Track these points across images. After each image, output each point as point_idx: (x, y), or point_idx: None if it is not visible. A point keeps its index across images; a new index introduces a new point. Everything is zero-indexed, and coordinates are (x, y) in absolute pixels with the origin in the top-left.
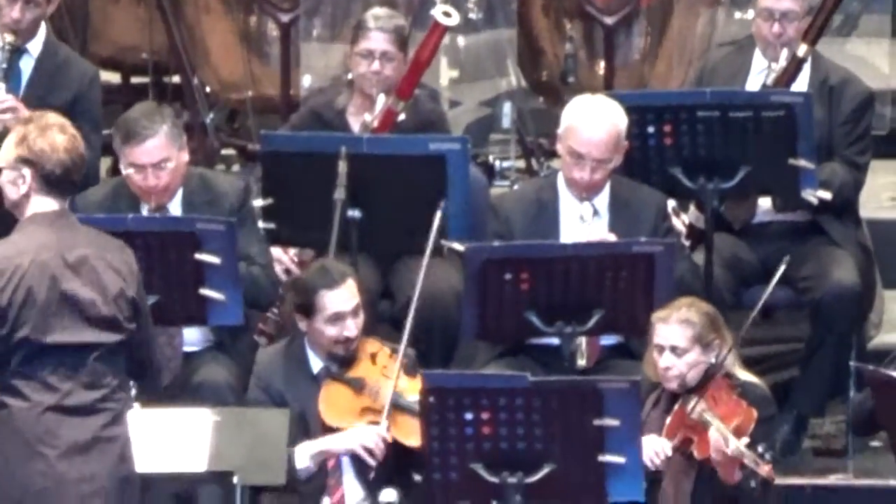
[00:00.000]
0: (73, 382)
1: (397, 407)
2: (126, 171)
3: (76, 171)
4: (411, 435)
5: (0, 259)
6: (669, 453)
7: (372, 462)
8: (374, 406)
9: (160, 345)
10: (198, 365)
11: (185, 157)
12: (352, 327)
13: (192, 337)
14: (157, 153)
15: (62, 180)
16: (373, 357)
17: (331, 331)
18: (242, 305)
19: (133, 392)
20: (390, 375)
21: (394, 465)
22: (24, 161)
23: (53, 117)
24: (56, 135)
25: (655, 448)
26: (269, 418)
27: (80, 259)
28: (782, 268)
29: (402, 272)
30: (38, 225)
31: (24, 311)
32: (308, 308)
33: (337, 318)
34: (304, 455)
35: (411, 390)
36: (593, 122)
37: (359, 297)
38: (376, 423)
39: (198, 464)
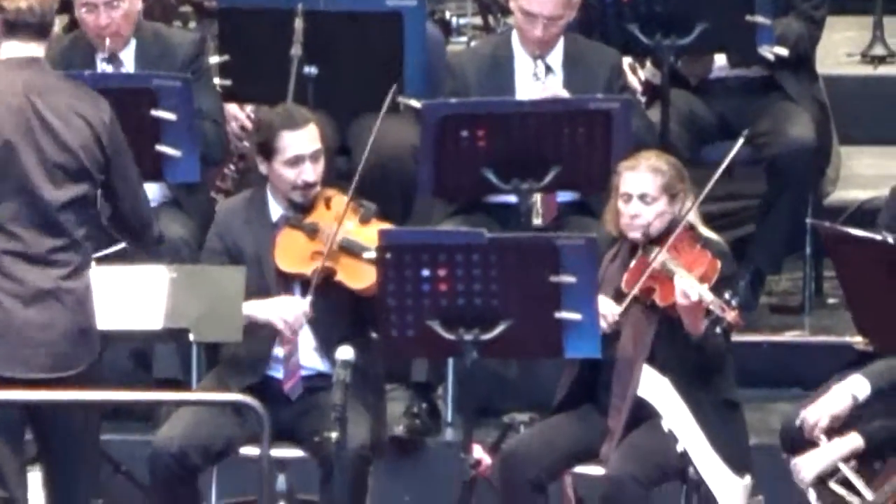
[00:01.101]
0: (34, 231)
1: (345, 249)
2: (79, 11)
3: (32, 15)
4: (357, 278)
5: None
6: (618, 316)
7: (290, 336)
8: (325, 250)
9: None
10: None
11: (139, 4)
12: (310, 172)
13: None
14: None
15: (18, 23)
16: (327, 202)
17: (289, 174)
18: (199, 162)
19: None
20: (340, 221)
21: (350, 321)
22: None
23: None
24: None
25: (604, 311)
26: (225, 275)
27: (48, 105)
28: (740, 141)
29: (358, 128)
30: (8, 69)
31: None
32: (268, 149)
33: (296, 160)
34: None
35: (363, 235)
36: None
37: (320, 144)
38: (327, 267)
39: (154, 321)
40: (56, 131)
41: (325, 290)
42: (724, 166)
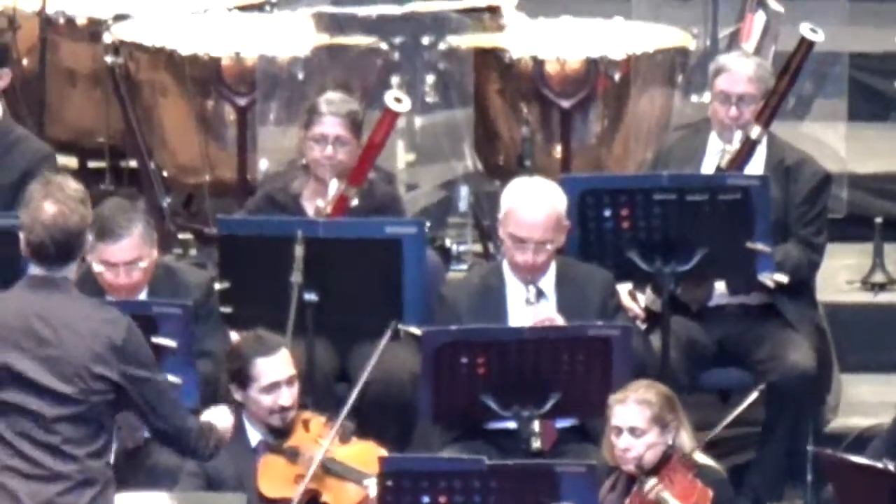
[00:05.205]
0: (28, 443)
1: (330, 471)
2: (97, 268)
3: (54, 245)
4: (343, 500)
5: None
6: None
7: None
8: (307, 474)
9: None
10: (153, 448)
11: (156, 253)
12: (287, 396)
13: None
14: (130, 252)
15: (38, 251)
16: (305, 424)
17: (266, 400)
18: (199, 388)
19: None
20: (323, 443)
21: None
22: (21, 224)
23: (62, 185)
24: (45, 205)
25: None
26: (227, 503)
27: (49, 328)
28: (754, 394)
29: (358, 355)
30: (24, 287)
31: None
32: (243, 377)
33: (272, 387)
34: None
35: (344, 455)
36: (532, 205)
37: (294, 368)
38: (309, 489)
39: None
40: (51, 353)
41: None
42: (734, 415)
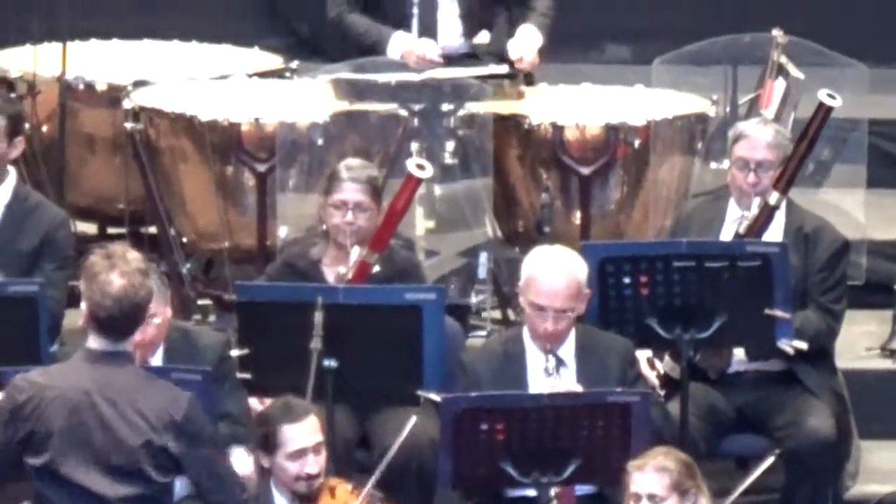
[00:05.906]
0: None
1: None
2: None
3: (122, 318)
4: None
5: (30, 385)
6: None
7: None
8: None
9: None
10: None
11: (170, 312)
12: (313, 464)
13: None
14: None
15: (106, 324)
16: (332, 492)
17: (292, 467)
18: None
19: None
20: None
21: None
22: (83, 295)
23: (126, 257)
24: (112, 278)
25: None
26: None
27: (108, 403)
28: (769, 461)
29: (378, 422)
30: (83, 361)
31: (40, 442)
32: (270, 443)
33: (299, 454)
34: None
35: None
36: (552, 273)
37: (322, 436)
38: None
39: None
40: (112, 430)
41: None
42: (751, 480)
